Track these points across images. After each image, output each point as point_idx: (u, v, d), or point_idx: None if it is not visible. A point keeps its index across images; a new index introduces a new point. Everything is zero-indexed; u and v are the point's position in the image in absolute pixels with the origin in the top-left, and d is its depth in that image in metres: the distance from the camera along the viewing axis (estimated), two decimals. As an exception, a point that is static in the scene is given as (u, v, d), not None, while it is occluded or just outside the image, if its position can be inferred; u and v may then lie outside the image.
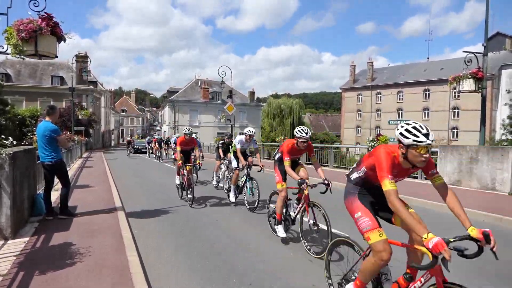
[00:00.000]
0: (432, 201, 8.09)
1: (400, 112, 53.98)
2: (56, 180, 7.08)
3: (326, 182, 4.85)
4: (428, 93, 50.52)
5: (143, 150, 33.94)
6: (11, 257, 4.25)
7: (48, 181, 6.26)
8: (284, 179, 5.40)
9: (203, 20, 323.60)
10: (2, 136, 5.19)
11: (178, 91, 56.10)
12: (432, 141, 2.55)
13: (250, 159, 8.02)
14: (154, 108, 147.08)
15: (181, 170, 8.50)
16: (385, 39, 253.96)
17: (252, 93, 59.72)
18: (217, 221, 6.69)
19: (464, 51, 10.82)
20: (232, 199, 8.17)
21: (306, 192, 4.93)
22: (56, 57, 5.65)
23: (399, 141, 2.66)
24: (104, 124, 52.77)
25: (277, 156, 5.65)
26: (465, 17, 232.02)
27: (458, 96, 45.04)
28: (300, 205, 5.20)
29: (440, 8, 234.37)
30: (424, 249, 2.41)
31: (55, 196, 7.54)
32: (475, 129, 40.38)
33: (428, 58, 57.81)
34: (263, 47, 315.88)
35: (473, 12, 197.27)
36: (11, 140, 4.83)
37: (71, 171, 14.71)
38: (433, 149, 12.47)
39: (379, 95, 57.04)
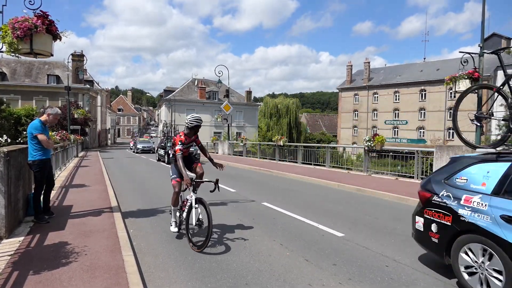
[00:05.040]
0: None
1: (397, 112, 54.16)
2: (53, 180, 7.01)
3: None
4: (424, 94, 50.71)
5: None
6: (5, 257, 4.22)
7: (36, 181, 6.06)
8: None
9: (200, 20, 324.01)
10: None
11: (175, 91, 55.98)
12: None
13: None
14: (151, 108, 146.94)
15: None
16: (382, 40, 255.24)
17: (249, 93, 59.71)
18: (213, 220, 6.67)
19: (460, 52, 10.86)
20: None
21: None
22: (52, 55, 5.61)
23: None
24: (100, 123, 52.55)
25: None
26: (463, 18, 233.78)
27: (454, 96, 45.09)
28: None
29: (439, 8, 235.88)
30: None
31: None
32: (471, 129, 40.54)
33: (424, 58, 58.19)
34: (262, 46, 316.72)
35: (472, 13, 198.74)
36: (6, 138, 4.78)
37: (67, 170, 14.64)
38: (429, 149, 12.52)
39: (376, 95, 57.19)
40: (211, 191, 4.99)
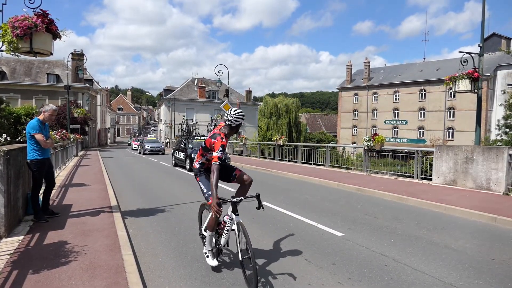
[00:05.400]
0: (429, 201, 8.12)
1: (396, 112, 54.17)
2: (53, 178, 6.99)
3: None
4: (424, 93, 50.72)
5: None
6: (5, 256, 4.22)
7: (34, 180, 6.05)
8: None
9: (200, 19, 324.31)
10: None
11: (174, 90, 55.99)
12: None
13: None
14: (151, 107, 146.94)
15: None
16: (382, 39, 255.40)
17: (249, 92, 59.72)
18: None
19: (460, 52, 10.88)
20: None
21: None
22: (52, 54, 5.60)
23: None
24: (100, 123, 52.58)
25: None
26: (463, 17, 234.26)
27: (454, 96, 45.29)
28: None
29: (439, 8, 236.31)
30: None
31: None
32: (470, 129, 40.63)
33: (424, 58, 58.19)
34: (261, 46, 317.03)
35: (472, 13, 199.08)
36: (5, 137, 4.77)
37: (66, 169, 14.63)
38: (429, 149, 12.52)
39: (376, 95, 57.19)
40: (257, 208, 3.86)
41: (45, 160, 6.00)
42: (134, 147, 39.80)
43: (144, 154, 29.76)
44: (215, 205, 3.58)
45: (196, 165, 4.25)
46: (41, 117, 5.94)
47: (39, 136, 5.74)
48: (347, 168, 15.58)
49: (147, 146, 30.41)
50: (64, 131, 15.26)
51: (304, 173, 13.69)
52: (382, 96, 56.04)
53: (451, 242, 5.41)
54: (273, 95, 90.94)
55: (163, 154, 30.00)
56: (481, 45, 10.43)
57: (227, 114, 4.02)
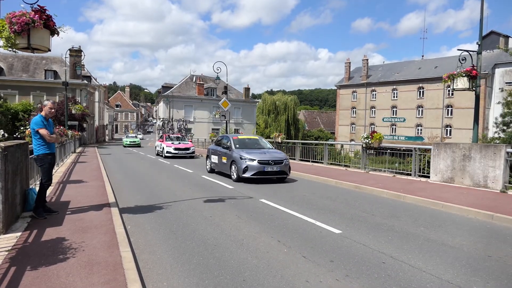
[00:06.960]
0: (426, 198, 8.14)
1: (394, 109, 54.23)
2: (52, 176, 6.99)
3: None
4: (422, 91, 50.78)
5: None
6: (2, 253, 4.21)
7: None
8: None
9: (199, 16, 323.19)
10: None
11: (173, 87, 55.86)
12: None
13: None
14: (149, 104, 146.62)
15: None
16: (381, 37, 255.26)
17: (247, 89, 59.64)
18: (210, 217, 6.68)
19: (458, 49, 10.89)
20: None
21: None
22: (49, 50, 5.59)
23: None
24: (98, 119, 52.43)
25: None
26: (462, 15, 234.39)
27: (452, 94, 45.37)
28: None
29: (439, 6, 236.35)
30: None
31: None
32: (468, 127, 40.72)
33: (422, 56, 58.13)
34: (260, 43, 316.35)
35: (472, 10, 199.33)
36: (3, 133, 4.77)
37: (64, 166, 14.60)
38: (426, 147, 12.54)
39: (374, 93, 57.20)
40: None
41: (51, 155, 6.11)
42: (169, 153, 21.85)
43: (241, 178, 11.40)
44: None
45: None
46: (43, 113, 6.02)
47: (42, 131, 5.84)
48: (345, 166, 15.60)
49: (251, 160, 11.42)
50: (62, 127, 15.21)
51: (302, 171, 13.70)
52: (380, 93, 56.07)
53: (448, 239, 5.44)
54: (271, 93, 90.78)
55: (286, 176, 12.35)
56: (479, 43, 10.44)
57: None
